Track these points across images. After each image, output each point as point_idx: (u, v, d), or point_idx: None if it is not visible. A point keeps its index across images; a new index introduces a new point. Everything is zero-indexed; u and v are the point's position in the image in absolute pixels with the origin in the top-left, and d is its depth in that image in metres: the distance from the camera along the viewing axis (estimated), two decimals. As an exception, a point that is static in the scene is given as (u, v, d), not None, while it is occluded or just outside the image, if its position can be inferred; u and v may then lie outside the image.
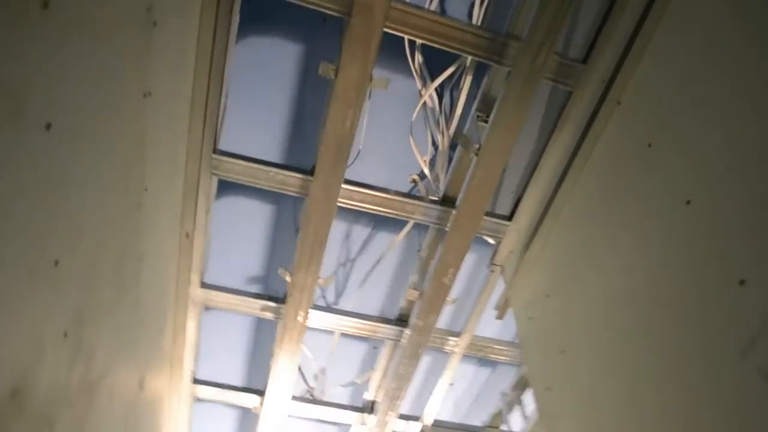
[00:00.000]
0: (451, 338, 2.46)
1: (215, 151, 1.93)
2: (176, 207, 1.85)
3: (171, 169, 1.66)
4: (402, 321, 2.40)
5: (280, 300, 2.24)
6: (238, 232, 2.76)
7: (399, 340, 2.43)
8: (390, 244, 2.57)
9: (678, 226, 1.29)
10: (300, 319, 2.11)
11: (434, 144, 2.57)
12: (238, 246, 2.80)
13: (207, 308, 2.67)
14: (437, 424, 2.74)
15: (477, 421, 3.29)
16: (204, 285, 2.24)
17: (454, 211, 2.01)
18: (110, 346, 1.30)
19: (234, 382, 3.31)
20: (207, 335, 3.10)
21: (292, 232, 2.60)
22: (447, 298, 2.10)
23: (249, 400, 2.63)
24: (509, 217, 2.13)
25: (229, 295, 2.28)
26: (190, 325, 2.32)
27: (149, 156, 1.34)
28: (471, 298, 2.67)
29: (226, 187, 2.53)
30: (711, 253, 1.19)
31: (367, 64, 1.61)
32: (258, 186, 2.04)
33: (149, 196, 1.40)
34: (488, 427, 2.84)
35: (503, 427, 2.80)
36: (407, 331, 2.27)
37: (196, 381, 2.56)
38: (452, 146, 2.27)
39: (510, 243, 2.16)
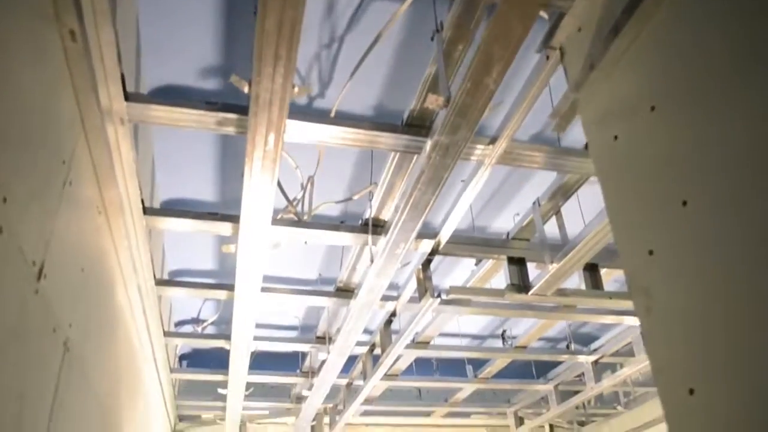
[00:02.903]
0: (479, 147, 1.83)
1: None
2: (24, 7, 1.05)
3: None
4: (413, 127, 1.75)
5: (244, 110, 1.54)
6: (186, 13, 1.95)
7: (409, 152, 1.82)
8: (390, 18, 1.79)
9: None
10: (271, 145, 1.45)
11: None
12: (187, 32, 2.01)
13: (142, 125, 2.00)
14: (454, 240, 2.25)
15: (493, 227, 2.85)
16: (131, 97, 1.53)
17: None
18: None
19: (207, 203, 2.78)
20: (168, 151, 2.47)
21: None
22: (488, 106, 1.42)
23: (220, 228, 2.09)
24: (580, -24, 1.36)
25: (169, 108, 1.58)
26: (124, 148, 1.66)
27: None
28: (507, 87, 1.96)
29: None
30: None
31: None
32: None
33: None
34: (514, 239, 2.36)
35: (534, 240, 2.34)
36: (426, 151, 1.63)
37: (148, 212, 1.98)
38: None
39: (577, 19, 1.42)
